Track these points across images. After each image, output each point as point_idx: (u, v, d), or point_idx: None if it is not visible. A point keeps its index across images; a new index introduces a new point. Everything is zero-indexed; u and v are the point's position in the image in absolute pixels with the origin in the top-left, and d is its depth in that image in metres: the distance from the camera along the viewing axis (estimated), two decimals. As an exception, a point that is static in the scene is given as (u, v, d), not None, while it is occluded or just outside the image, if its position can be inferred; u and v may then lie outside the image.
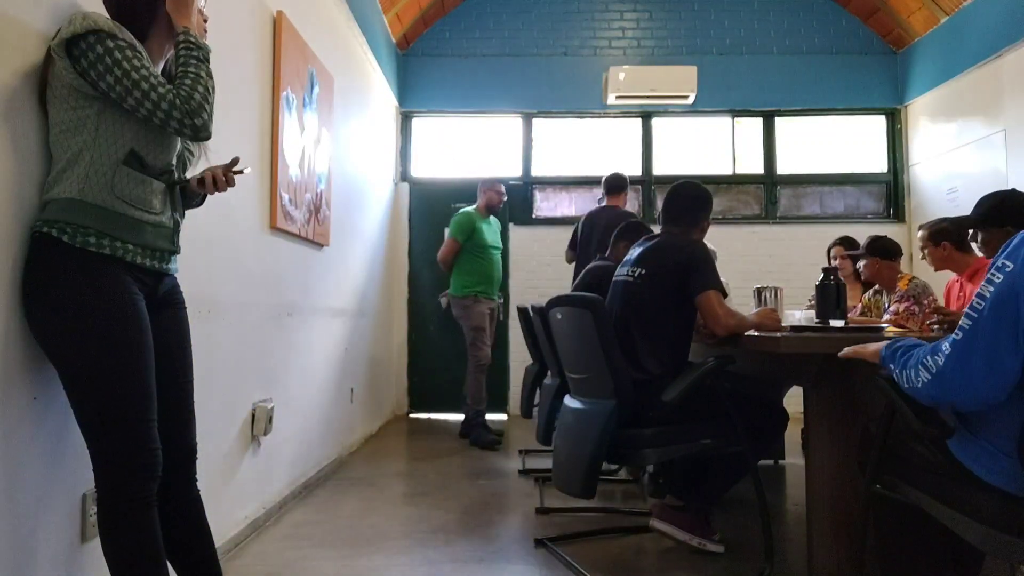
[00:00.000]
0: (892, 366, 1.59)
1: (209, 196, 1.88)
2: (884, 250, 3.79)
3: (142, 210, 1.60)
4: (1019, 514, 1.41)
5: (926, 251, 3.50)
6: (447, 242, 5.14)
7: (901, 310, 3.49)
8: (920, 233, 3.61)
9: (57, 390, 1.56)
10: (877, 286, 3.91)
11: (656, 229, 3.02)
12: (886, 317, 3.59)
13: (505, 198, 5.34)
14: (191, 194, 1.83)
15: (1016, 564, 1.67)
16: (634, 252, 2.79)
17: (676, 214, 2.79)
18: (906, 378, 1.52)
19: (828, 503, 2.24)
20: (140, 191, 1.60)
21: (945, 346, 1.42)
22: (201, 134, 1.61)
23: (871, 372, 1.79)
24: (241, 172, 1.83)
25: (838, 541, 2.21)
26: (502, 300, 5.40)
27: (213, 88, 1.64)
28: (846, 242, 4.41)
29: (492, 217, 5.31)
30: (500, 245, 5.34)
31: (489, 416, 6.30)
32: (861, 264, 3.84)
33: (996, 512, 1.43)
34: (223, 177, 1.78)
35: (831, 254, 4.46)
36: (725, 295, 2.61)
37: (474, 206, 5.29)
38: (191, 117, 1.57)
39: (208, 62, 1.65)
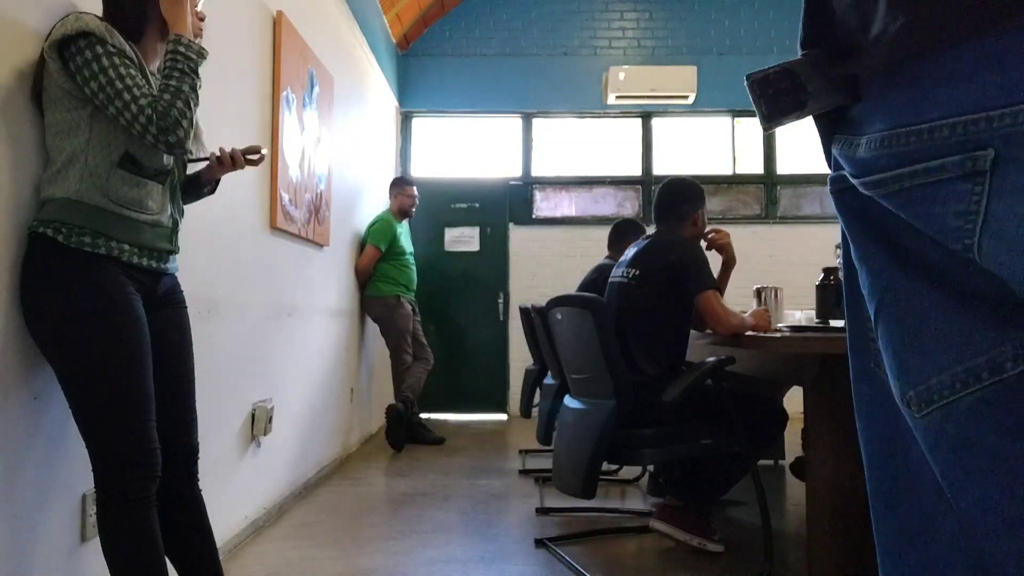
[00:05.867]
0: None
1: (209, 194, 1.89)
2: None
3: (138, 211, 1.60)
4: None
5: None
6: (367, 250, 4.89)
7: None
8: None
9: (57, 390, 1.56)
10: None
11: (651, 228, 3.02)
12: None
13: (416, 198, 5.15)
14: (204, 182, 1.83)
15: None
16: (629, 253, 2.79)
17: (661, 212, 2.79)
18: None
19: (828, 503, 2.23)
20: (135, 193, 1.59)
21: None
22: (175, 150, 1.59)
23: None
24: (257, 157, 1.81)
25: (838, 541, 2.21)
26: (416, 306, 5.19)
27: (196, 100, 1.60)
28: None
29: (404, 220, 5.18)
30: (413, 249, 5.21)
31: (488, 416, 6.33)
32: None
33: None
34: (241, 157, 1.79)
35: (837, 254, 4.45)
36: (721, 294, 2.61)
37: (386, 209, 5.20)
38: (165, 134, 1.54)
39: (195, 72, 1.60)
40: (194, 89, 1.60)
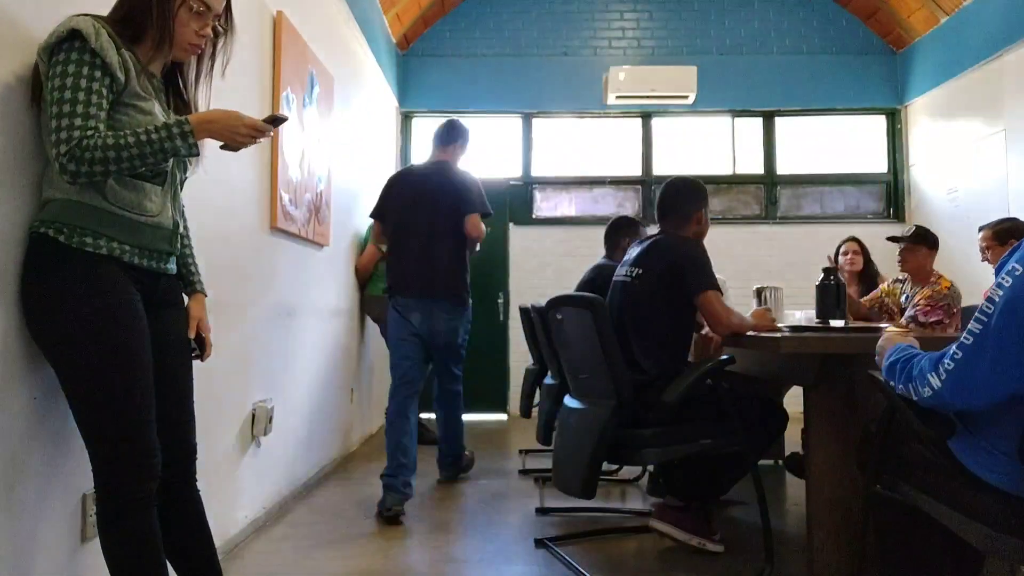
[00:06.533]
0: (894, 382, 1.58)
1: (209, 199, 1.88)
2: (932, 240, 3.74)
3: (136, 213, 1.60)
4: (1019, 514, 1.41)
5: (990, 252, 3.48)
6: (367, 249, 4.91)
7: (929, 321, 3.47)
8: (983, 233, 3.58)
9: (57, 390, 1.56)
10: (900, 276, 3.88)
11: (651, 228, 3.02)
12: (909, 312, 3.57)
13: None
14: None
15: (1016, 564, 1.67)
16: (632, 252, 2.79)
17: (664, 211, 2.79)
18: (913, 390, 1.50)
19: (828, 503, 2.24)
20: (133, 195, 1.59)
21: (954, 350, 1.40)
22: (64, 177, 1.48)
23: (871, 368, 1.79)
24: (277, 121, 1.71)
25: (838, 541, 2.21)
26: None
27: (127, 165, 1.50)
28: (858, 242, 4.39)
29: None
30: None
31: (488, 416, 6.33)
32: (903, 249, 3.77)
33: (996, 512, 1.43)
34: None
35: (841, 250, 4.44)
36: (722, 293, 2.61)
37: None
38: (71, 160, 1.45)
39: (156, 154, 1.52)
40: (142, 160, 1.51)
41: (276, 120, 1.71)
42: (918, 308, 3.55)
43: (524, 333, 4.20)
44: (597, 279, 3.67)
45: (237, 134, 1.62)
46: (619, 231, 3.95)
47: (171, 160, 1.67)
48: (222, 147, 1.67)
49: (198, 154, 1.61)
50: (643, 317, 2.62)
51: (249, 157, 2.92)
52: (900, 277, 3.87)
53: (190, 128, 1.55)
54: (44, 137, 1.56)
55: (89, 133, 1.47)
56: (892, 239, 3.87)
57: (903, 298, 3.78)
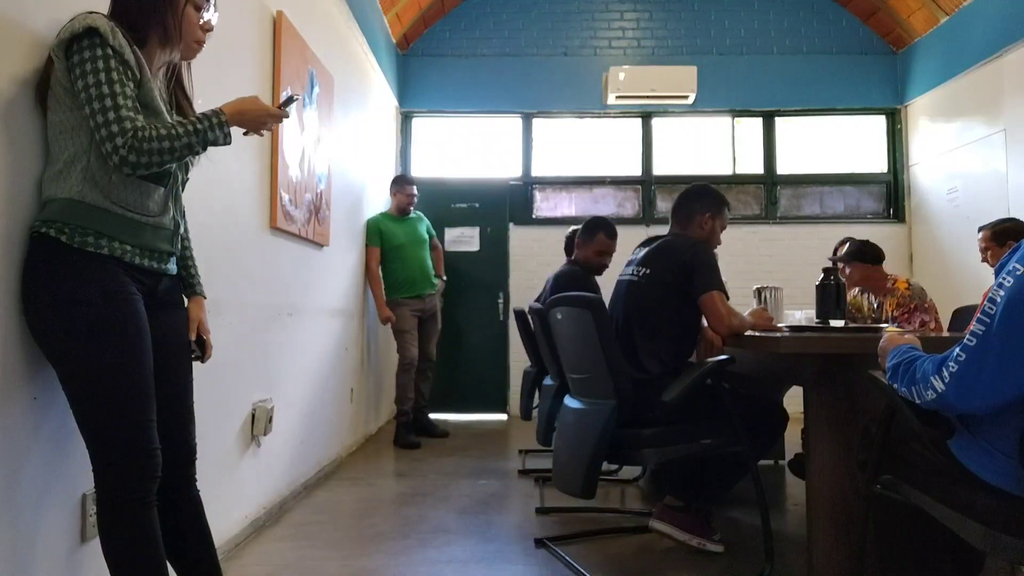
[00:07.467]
0: (897, 384, 1.58)
1: (209, 199, 1.88)
2: (871, 256, 3.72)
3: (138, 213, 1.60)
4: (1019, 514, 1.41)
5: (989, 252, 3.48)
6: (367, 252, 5.10)
7: (916, 324, 3.47)
8: (982, 234, 3.58)
9: (57, 390, 1.56)
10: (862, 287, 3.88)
11: (651, 228, 3.03)
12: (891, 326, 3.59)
13: (414, 197, 5.24)
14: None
15: (1016, 564, 1.67)
16: (639, 253, 2.81)
17: (672, 212, 2.82)
18: (916, 394, 1.49)
19: (828, 503, 2.23)
20: (136, 195, 1.59)
21: (957, 352, 1.40)
22: (124, 169, 1.51)
23: (871, 368, 1.79)
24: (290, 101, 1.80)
25: (838, 541, 2.21)
26: (435, 291, 5.23)
27: (179, 157, 1.56)
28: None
29: (415, 212, 5.28)
30: (424, 236, 5.24)
31: (489, 416, 6.33)
32: (846, 271, 3.77)
33: (996, 512, 1.43)
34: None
35: (837, 252, 4.44)
36: (727, 295, 2.61)
37: (386, 209, 5.34)
38: (134, 154, 1.48)
39: (203, 143, 1.59)
40: (190, 150, 1.57)
41: (289, 101, 1.79)
42: (896, 320, 3.55)
43: (520, 335, 4.19)
44: (560, 287, 3.68)
45: (262, 122, 1.69)
46: (574, 236, 4.11)
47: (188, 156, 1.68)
48: (245, 133, 1.73)
49: (231, 142, 1.65)
50: (649, 316, 2.63)
51: (249, 157, 2.92)
52: (863, 288, 3.88)
53: (226, 118, 1.61)
54: (51, 136, 1.56)
55: (140, 124, 1.50)
56: (832, 259, 3.82)
57: (874, 307, 3.79)
